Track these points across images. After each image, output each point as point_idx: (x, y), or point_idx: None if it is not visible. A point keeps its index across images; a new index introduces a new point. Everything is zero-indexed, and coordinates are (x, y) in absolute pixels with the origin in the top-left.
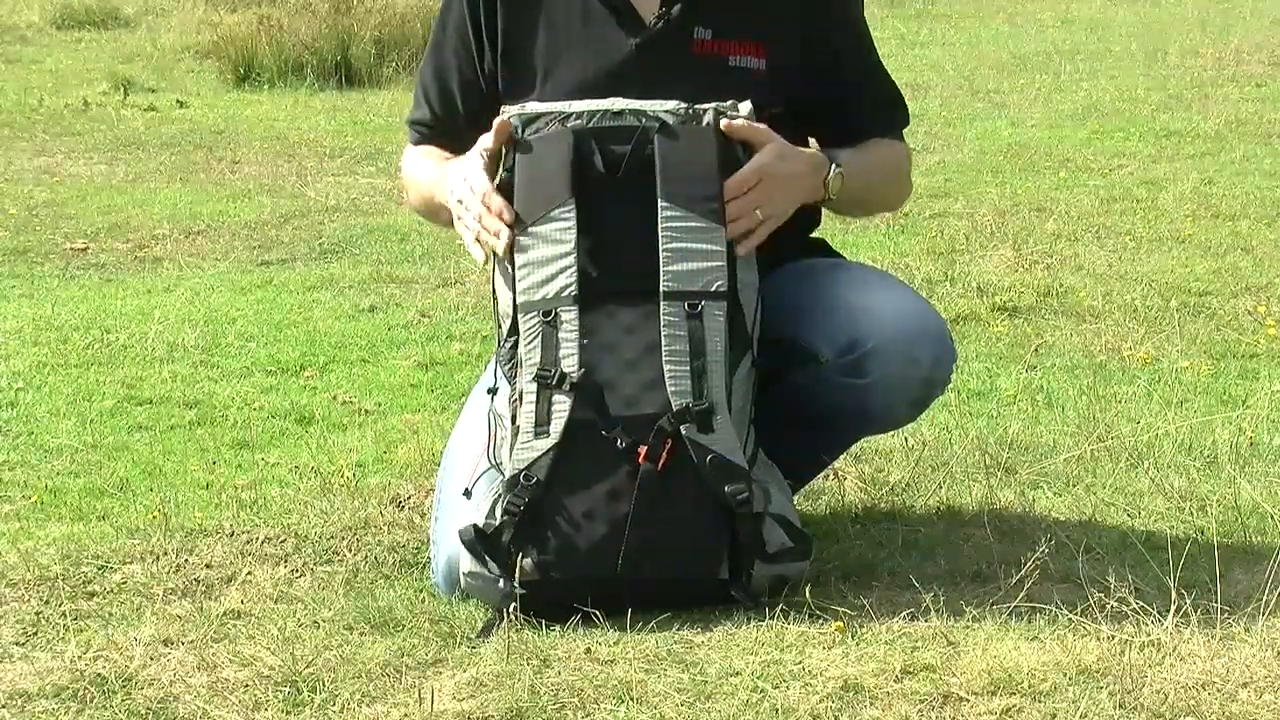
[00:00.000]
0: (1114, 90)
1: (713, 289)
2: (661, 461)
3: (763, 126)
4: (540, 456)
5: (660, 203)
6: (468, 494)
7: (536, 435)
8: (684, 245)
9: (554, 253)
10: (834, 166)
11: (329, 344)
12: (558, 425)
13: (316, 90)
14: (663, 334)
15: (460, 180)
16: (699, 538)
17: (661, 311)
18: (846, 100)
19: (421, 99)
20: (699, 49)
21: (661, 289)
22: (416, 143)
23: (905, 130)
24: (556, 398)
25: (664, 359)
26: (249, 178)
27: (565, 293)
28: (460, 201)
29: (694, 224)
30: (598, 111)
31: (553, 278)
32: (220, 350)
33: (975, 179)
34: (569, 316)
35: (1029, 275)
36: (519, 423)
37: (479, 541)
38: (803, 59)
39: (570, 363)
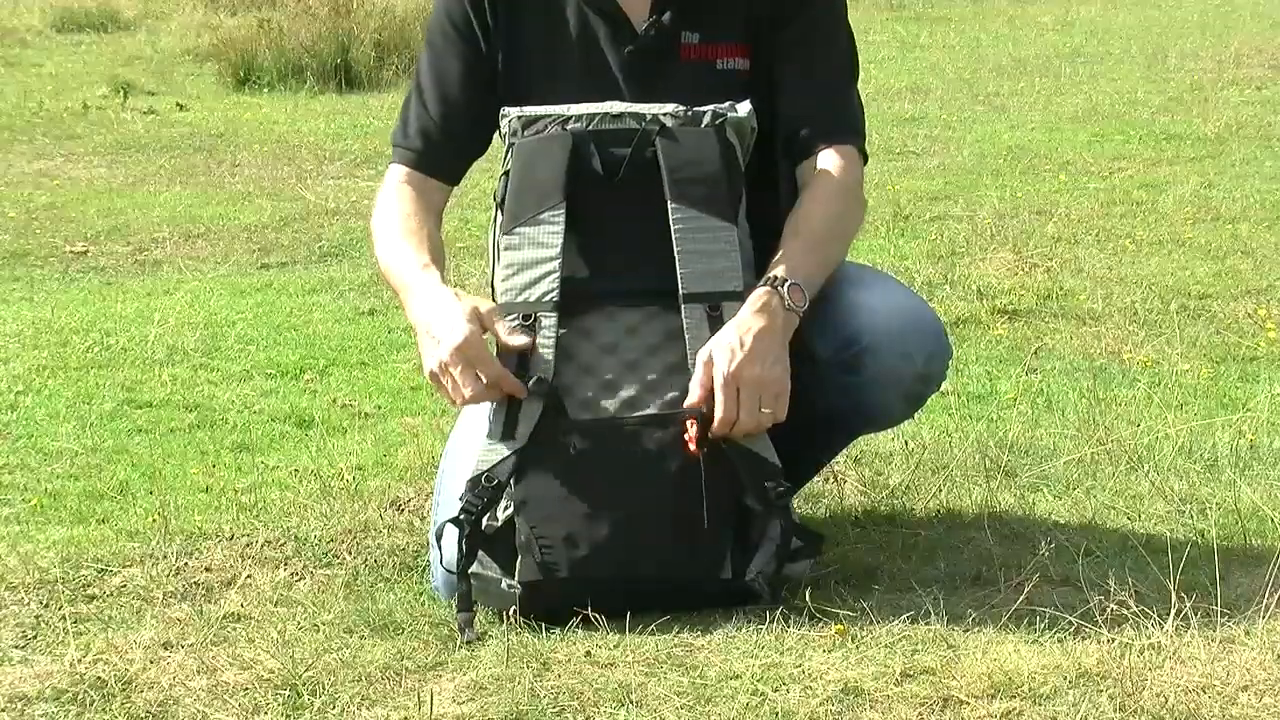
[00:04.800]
0: (1114, 93)
1: (730, 289)
2: (692, 447)
3: (707, 370)
4: (502, 461)
5: (670, 204)
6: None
7: (503, 439)
8: (699, 247)
9: (540, 255)
10: (782, 288)
11: (329, 347)
12: (525, 430)
13: (316, 93)
14: (686, 336)
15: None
16: (705, 536)
17: (684, 315)
18: (798, 88)
19: (417, 110)
20: (687, 54)
21: (681, 292)
22: (408, 173)
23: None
24: (527, 402)
25: (689, 359)
26: (249, 181)
27: (547, 297)
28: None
29: (706, 224)
30: (597, 114)
31: (536, 281)
32: (220, 353)
33: (975, 182)
34: (548, 322)
35: (1029, 278)
36: (490, 425)
37: (466, 541)
38: (774, 51)
39: (545, 369)
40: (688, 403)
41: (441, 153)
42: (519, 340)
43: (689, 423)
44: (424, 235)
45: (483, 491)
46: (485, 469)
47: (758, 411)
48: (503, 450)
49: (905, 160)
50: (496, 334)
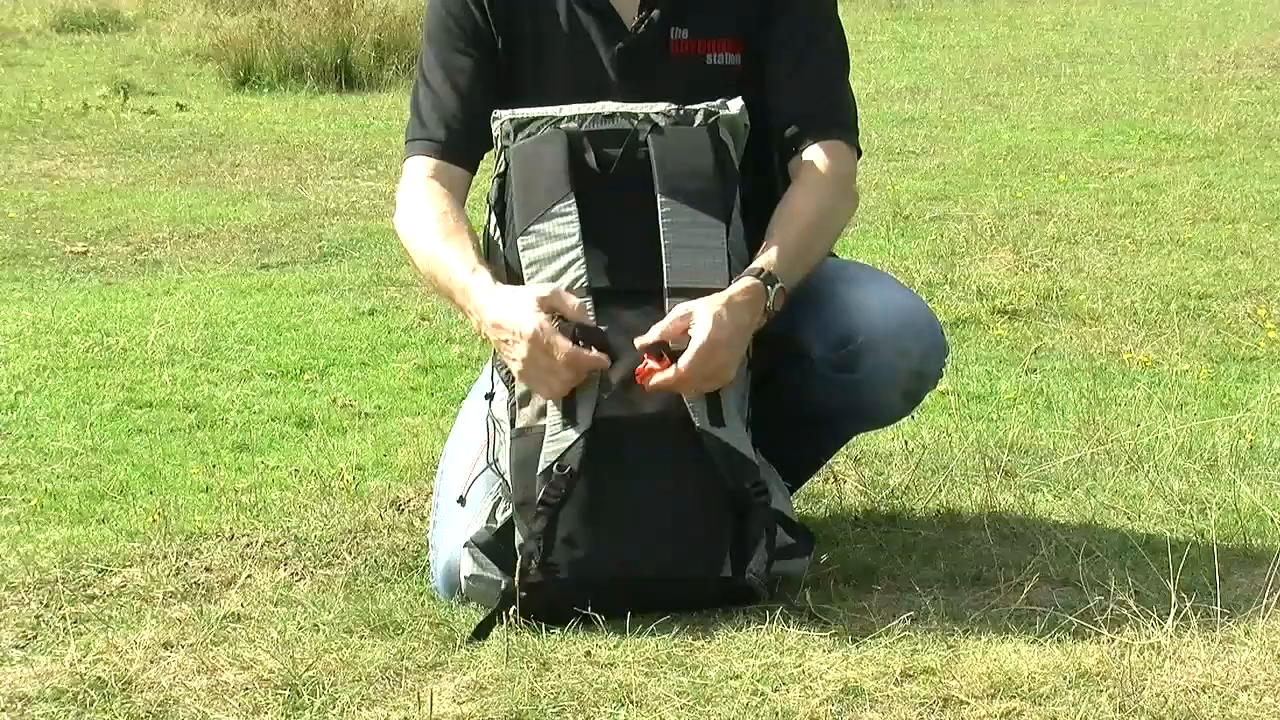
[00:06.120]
0: (1114, 93)
1: (714, 287)
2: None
3: (680, 324)
4: (570, 446)
5: (660, 198)
6: (462, 501)
7: (564, 426)
8: (685, 243)
9: (560, 247)
10: (770, 288)
11: (329, 347)
12: (585, 414)
13: (316, 93)
14: None
15: (522, 339)
16: (704, 534)
17: (667, 310)
18: (788, 84)
19: (432, 102)
20: (677, 49)
21: (665, 287)
22: (434, 165)
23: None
24: (582, 388)
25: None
26: (249, 181)
27: (578, 284)
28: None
29: (695, 220)
30: (589, 114)
31: (562, 271)
32: (220, 353)
33: (975, 182)
34: (586, 305)
35: (1029, 278)
36: (546, 417)
37: (491, 547)
38: (765, 46)
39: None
40: (644, 340)
41: (464, 139)
42: (590, 315)
43: (645, 358)
44: (466, 234)
45: (558, 481)
46: (555, 459)
47: (704, 386)
48: (569, 436)
49: (905, 160)
50: (567, 311)
